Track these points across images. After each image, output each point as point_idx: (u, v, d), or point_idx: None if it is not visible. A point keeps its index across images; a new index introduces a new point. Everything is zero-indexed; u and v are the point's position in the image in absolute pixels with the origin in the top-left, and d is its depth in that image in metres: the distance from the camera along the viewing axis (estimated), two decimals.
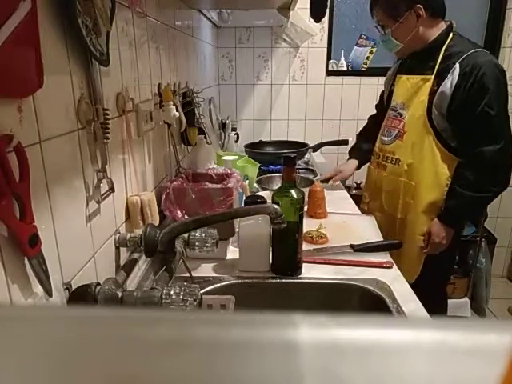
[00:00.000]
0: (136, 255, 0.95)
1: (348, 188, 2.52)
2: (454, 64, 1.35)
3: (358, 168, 1.82)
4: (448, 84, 1.35)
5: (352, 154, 1.85)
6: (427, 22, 1.41)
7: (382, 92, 1.76)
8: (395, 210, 1.56)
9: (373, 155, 1.67)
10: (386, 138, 1.57)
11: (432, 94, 1.39)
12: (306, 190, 1.38)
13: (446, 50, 1.39)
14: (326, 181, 1.76)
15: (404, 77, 1.52)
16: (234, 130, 2.33)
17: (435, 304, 1.62)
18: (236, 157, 1.72)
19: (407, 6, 1.38)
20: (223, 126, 2.19)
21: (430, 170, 1.45)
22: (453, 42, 1.40)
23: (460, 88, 1.33)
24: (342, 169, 1.80)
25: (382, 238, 1.23)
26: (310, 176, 1.79)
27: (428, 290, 1.46)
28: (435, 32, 1.42)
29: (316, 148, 2.37)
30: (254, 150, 2.09)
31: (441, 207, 1.46)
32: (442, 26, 1.43)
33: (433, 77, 1.40)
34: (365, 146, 1.78)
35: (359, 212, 1.54)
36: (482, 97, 1.31)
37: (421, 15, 1.39)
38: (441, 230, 1.45)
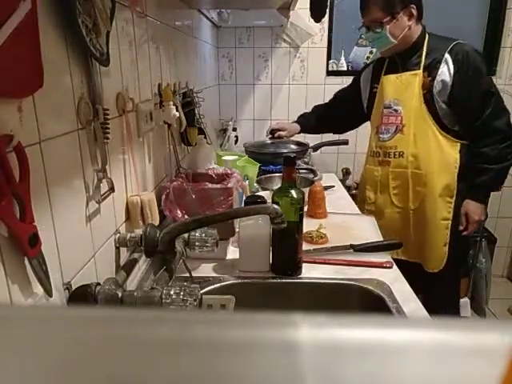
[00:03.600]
0: (136, 255, 0.94)
1: (348, 188, 2.51)
2: (443, 55, 1.48)
3: (298, 132, 1.99)
4: (446, 72, 1.47)
5: (300, 119, 1.99)
6: (414, 23, 1.52)
7: (350, 88, 1.87)
8: (406, 201, 1.62)
9: (370, 156, 1.72)
10: (384, 136, 1.62)
11: (425, 85, 1.50)
12: (306, 190, 1.38)
13: (427, 47, 1.53)
14: (272, 132, 1.96)
15: (392, 76, 1.60)
16: (234, 130, 2.33)
17: (450, 302, 1.72)
18: (236, 157, 1.72)
19: (403, 4, 1.49)
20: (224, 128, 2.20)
21: (436, 157, 1.54)
22: (431, 40, 1.55)
23: (458, 73, 1.46)
24: (287, 127, 1.96)
25: (382, 238, 1.23)
26: (310, 176, 1.79)
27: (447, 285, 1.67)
28: (417, 32, 1.55)
29: (316, 148, 2.37)
30: (254, 150, 2.09)
31: (460, 188, 1.55)
32: (420, 27, 1.56)
33: (421, 71, 1.52)
34: (312, 121, 1.96)
35: (359, 212, 1.54)
36: (480, 78, 1.47)
37: (413, 15, 1.50)
38: (477, 207, 1.56)
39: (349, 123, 1.95)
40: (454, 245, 1.61)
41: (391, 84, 1.60)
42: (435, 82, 1.48)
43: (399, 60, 1.58)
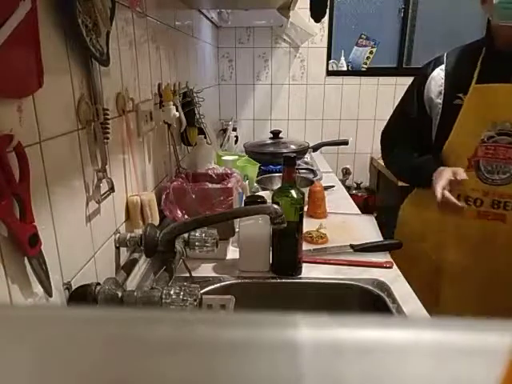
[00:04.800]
0: (136, 255, 0.95)
1: (348, 188, 2.52)
2: None
3: None
4: None
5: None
6: None
7: (408, 106, 1.29)
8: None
9: (464, 202, 1.16)
10: (495, 176, 1.13)
11: None
12: (306, 190, 1.38)
13: None
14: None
15: (507, 86, 1.08)
16: (234, 130, 2.33)
17: None
18: (236, 157, 1.72)
19: None
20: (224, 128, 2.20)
21: None
22: None
23: None
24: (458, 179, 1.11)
25: (381, 238, 1.23)
26: (310, 176, 1.79)
27: None
28: None
29: (316, 148, 2.37)
30: (254, 150, 2.09)
31: None
32: None
33: None
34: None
35: (359, 212, 1.54)
36: None
37: None
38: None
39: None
40: None
41: (506, 98, 1.08)
42: None
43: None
